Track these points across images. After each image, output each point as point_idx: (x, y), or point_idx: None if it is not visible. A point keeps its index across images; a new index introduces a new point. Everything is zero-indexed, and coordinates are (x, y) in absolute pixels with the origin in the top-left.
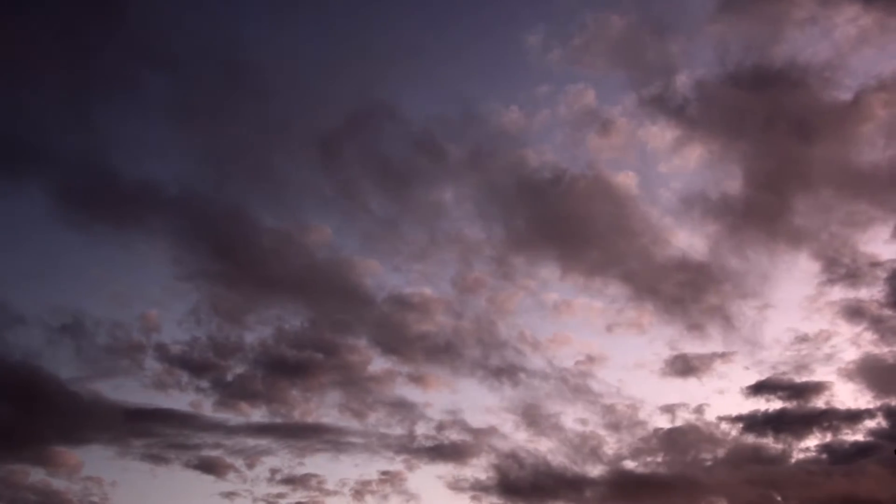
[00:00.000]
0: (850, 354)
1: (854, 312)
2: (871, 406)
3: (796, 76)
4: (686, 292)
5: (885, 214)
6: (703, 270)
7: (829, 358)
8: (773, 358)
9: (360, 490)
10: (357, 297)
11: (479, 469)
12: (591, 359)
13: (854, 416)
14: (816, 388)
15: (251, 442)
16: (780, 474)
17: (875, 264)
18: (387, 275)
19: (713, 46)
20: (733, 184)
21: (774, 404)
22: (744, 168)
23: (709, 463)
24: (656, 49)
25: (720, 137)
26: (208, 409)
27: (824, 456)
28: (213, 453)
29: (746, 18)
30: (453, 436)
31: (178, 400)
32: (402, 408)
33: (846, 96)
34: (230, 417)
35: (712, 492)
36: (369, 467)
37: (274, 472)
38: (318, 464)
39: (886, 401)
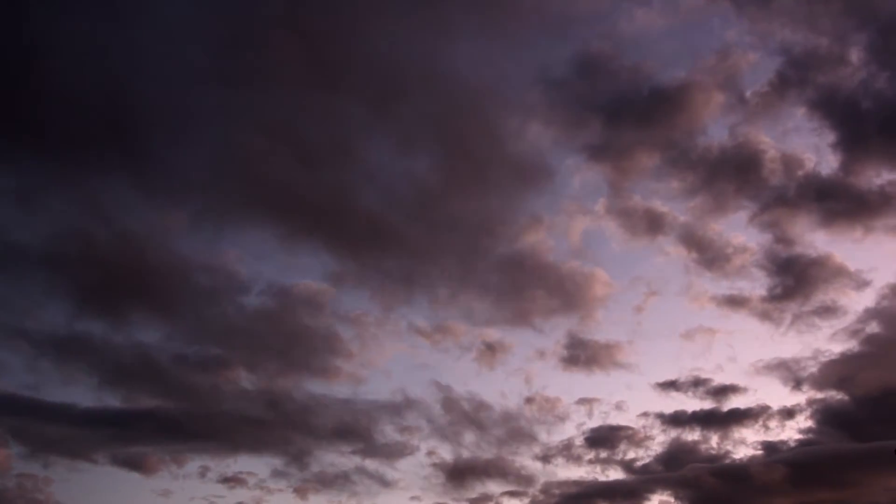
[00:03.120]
0: (752, 350)
1: (737, 304)
2: (797, 403)
3: (621, 57)
4: (569, 282)
5: (738, 201)
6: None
7: (731, 353)
8: (673, 350)
9: (302, 489)
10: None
11: (411, 466)
12: (490, 347)
13: (788, 413)
14: (731, 387)
15: (172, 438)
16: (720, 470)
17: (739, 250)
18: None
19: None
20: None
21: (692, 402)
22: (588, 154)
23: (645, 460)
24: None
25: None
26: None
27: (760, 452)
28: (134, 449)
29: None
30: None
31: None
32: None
33: (679, 76)
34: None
35: (655, 489)
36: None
37: (205, 469)
38: (244, 461)
39: (811, 396)
